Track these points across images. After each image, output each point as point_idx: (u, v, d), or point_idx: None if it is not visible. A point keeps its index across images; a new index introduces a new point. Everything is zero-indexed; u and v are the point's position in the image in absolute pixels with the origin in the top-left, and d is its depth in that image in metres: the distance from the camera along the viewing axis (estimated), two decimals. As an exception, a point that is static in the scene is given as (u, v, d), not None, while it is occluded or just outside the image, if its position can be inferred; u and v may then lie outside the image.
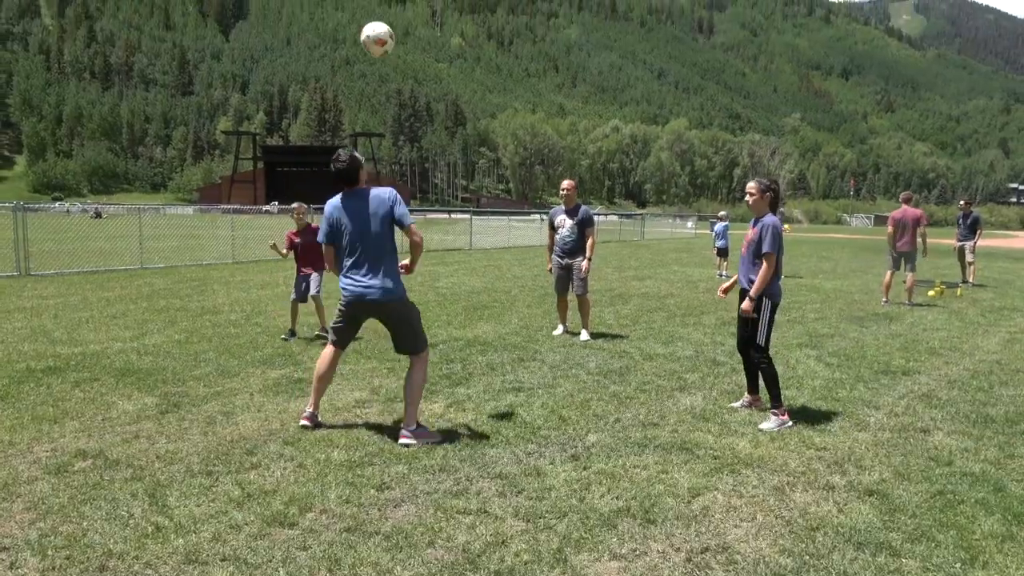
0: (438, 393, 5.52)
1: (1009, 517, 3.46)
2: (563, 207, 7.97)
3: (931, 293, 12.24)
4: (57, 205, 54.54)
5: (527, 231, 31.46)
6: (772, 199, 4.95)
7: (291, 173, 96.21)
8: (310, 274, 7.78)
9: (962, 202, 15.46)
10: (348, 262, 4.43)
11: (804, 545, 3.15)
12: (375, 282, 4.39)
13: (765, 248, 4.82)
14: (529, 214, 46.40)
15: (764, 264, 4.84)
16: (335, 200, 4.45)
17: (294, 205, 7.91)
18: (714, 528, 3.31)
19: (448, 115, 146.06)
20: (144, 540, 3.10)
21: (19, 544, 3.04)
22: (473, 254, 21.86)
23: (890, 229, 11.21)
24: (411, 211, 4.59)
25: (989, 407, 5.39)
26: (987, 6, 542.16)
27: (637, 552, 3.08)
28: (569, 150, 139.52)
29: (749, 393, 5.30)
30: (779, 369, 6.49)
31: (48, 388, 5.48)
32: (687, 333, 8.33)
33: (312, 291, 7.71)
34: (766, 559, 3.02)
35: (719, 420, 4.93)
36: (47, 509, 3.38)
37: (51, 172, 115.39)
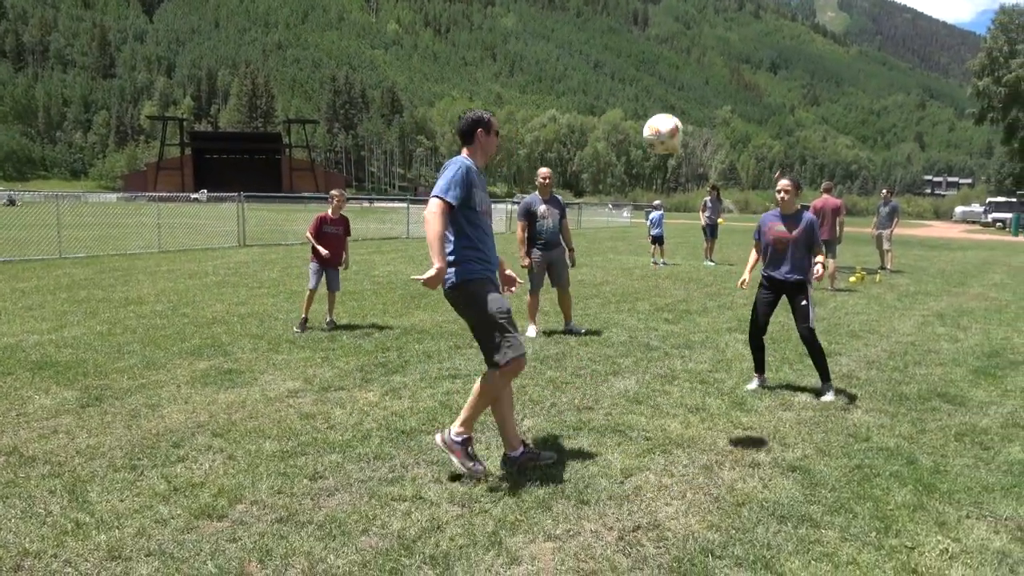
0: (373, 381, 5.46)
1: (920, 488, 3.66)
2: (539, 196, 7.36)
3: (852, 279, 12.78)
4: (-34, 192, 51.39)
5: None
6: (796, 193, 5.38)
7: (221, 160, 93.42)
8: (332, 269, 7.54)
9: (884, 191, 16.18)
10: None
11: (731, 520, 3.26)
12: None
13: (819, 242, 5.34)
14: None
15: (820, 255, 5.27)
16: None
17: (334, 192, 7.59)
18: (645, 507, 3.39)
19: (384, 102, 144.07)
20: (63, 537, 2.98)
21: (-76, 546, 2.88)
22: (410, 242, 21.67)
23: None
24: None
25: (904, 385, 5.67)
26: (906, 6, 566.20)
27: (571, 532, 3.12)
28: (506, 139, 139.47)
29: (760, 373, 5.58)
30: (708, 353, 6.69)
31: (-43, 383, 5.19)
32: (621, 319, 8.47)
33: (337, 287, 7.62)
34: (695, 535, 3.12)
35: (652, 403, 5.04)
36: (-44, 509, 3.21)
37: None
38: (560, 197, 7.69)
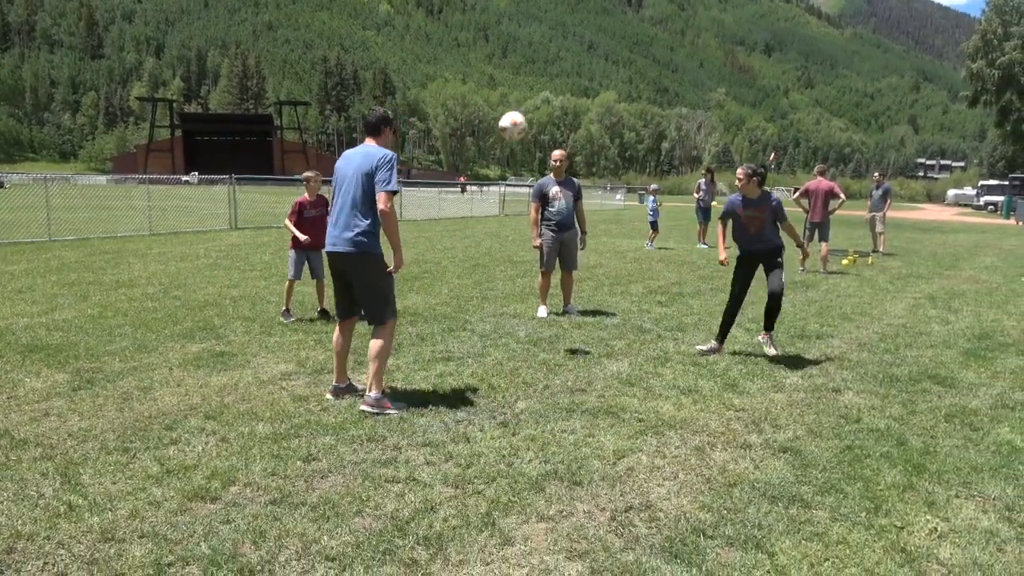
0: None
1: (910, 468, 3.69)
2: (552, 178, 7.39)
3: (844, 262, 12.81)
4: (-47, 174, 50.79)
5: (457, 203, 31.29)
6: (759, 181, 5.87)
7: (211, 142, 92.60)
8: (315, 252, 7.10)
9: (877, 174, 16.23)
10: (331, 214, 4.46)
11: (722, 500, 3.29)
12: (337, 232, 4.35)
13: (785, 219, 5.91)
14: (456, 185, 46.15)
15: (791, 226, 5.97)
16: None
17: (308, 173, 7.24)
18: (638, 488, 3.41)
19: (376, 84, 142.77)
20: (56, 520, 2.98)
21: (-84, 529, 2.87)
22: (403, 225, 21.60)
23: (797, 194, 12.44)
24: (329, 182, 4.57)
25: (895, 367, 5.71)
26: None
27: (564, 513, 3.14)
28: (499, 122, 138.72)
29: (720, 341, 6.08)
30: (701, 335, 6.72)
31: (-54, 366, 5.16)
32: (615, 302, 8.48)
33: (322, 273, 7.20)
34: (687, 515, 3.14)
35: (644, 385, 5.06)
36: (-53, 492, 3.20)
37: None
38: (576, 180, 7.66)
